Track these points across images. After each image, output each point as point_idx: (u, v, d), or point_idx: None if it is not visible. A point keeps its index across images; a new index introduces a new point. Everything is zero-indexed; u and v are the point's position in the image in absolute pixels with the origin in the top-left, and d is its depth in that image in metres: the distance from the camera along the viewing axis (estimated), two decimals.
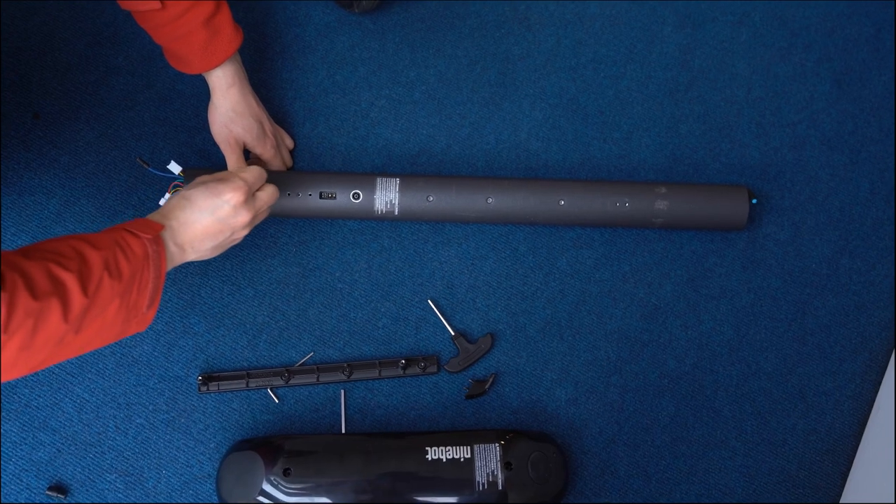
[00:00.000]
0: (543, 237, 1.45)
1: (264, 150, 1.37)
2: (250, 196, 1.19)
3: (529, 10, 1.56)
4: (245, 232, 1.20)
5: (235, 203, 1.16)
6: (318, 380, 1.36)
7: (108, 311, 1.00)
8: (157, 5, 1.17)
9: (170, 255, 1.11)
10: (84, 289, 0.96)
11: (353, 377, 1.36)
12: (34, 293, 0.92)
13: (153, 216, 1.13)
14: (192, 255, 1.16)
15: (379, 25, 1.53)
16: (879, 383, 1.44)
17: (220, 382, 1.35)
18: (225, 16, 1.25)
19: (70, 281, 0.95)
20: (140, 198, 1.41)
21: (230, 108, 1.31)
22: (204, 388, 1.34)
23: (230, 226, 1.17)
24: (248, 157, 1.40)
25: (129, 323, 1.05)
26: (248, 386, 1.35)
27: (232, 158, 1.33)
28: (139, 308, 1.05)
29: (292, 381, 1.36)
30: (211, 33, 1.23)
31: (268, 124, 1.38)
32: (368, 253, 1.43)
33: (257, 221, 1.23)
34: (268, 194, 1.24)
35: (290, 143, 1.45)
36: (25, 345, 0.92)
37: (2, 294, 0.89)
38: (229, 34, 1.26)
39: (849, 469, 1.42)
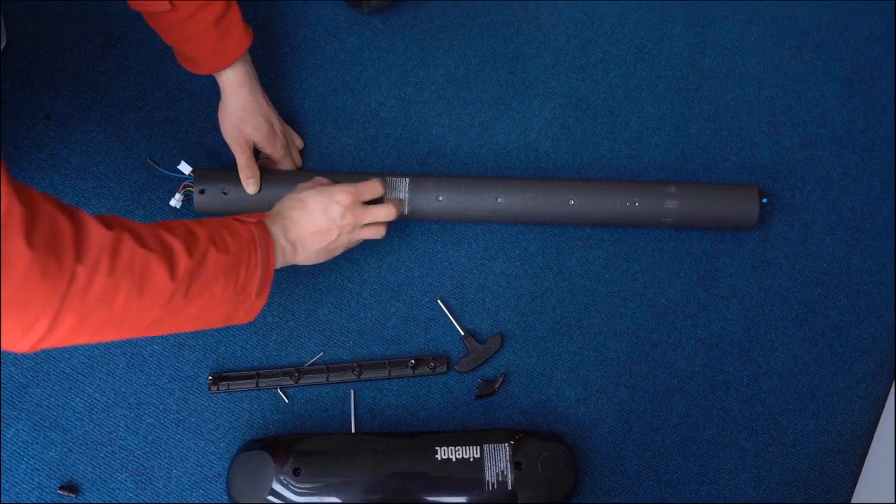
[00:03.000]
0: (553, 237, 1.45)
1: (274, 150, 1.37)
2: (359, 202, 1.25)
3: (539, 9, 1.56)
4: (350, 238, 1.25)
5: (346, 204, 1.22)
6: (327, 379, 1.36)
7: (216, 285, 1.03)
8: (167, 6, 1.18)
9: (280, 249, 1.16)
10: (190, 252, 0.99)
11: (362, 377, 1.36)
12: (142, 244, 0.95)
13: (270, 221, 1.18)
14: (302, 256, 1.21)
15: (388, 25, 1.53)
16: (891, 383, 1.44)
17: (231, 382, 1.35)
18: (235, 16, 1.25)
19: (176, 244, 0.99)
20: (151, 198, 1.41)
21: (240, 107, 1.32)
22: (214, 388, 1.35)
23: (338, 226, 1.22)
24: (259, 156, 1.40)
25: (238, 307, 1.09)
26: (258, 386, 1.35)
27: (242, 158, 1.34)
28: (248, 292, 1.08)
29: (302, 381, 1.36)
30: (221, 34, 1.23)
31: (278, 124, 1.38)
32: (378, 253, 1.43)
33: (367, 234, 1.28)
34: (382, 208, 1.28)
35: (299, 143, 1.45)
36: (134, 294, 0.94)
37: (108, 237, 0.92)
38: (239, 34, 1.26)
39: (860, 469, 1.41)
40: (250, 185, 1.33)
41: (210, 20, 1.21)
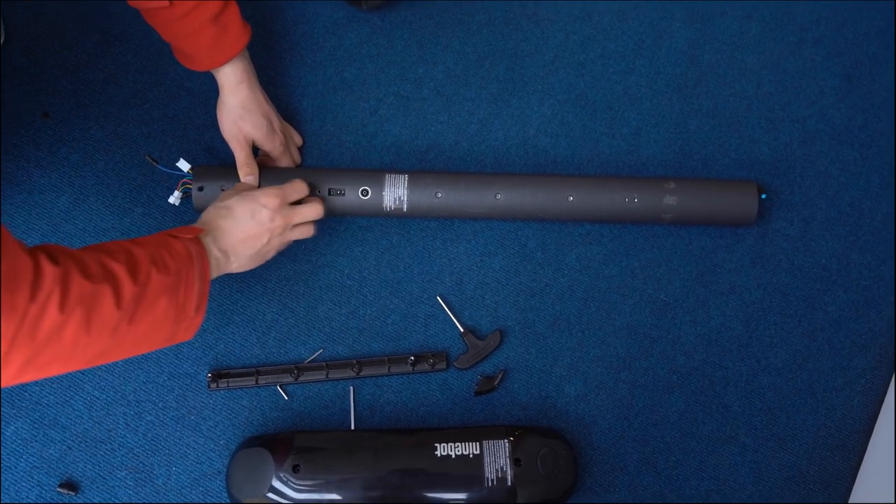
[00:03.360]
0: (552, 233, 1.45)
1: (273, 147, 1.37)
2: (286, 203, 1.26)
3: (538, 5, 1.56)
4: (281, 240, 1.26)
5: (273, 207, 1.23)
6: (327, 376, 1.36)
7: (159, 305, 1.03)
8: (166, 3, 1.18)
9: (214, 260, 1.16)
10: (133, 277, 1.00)
11: (362, 374, 1.36)
12: (88, 276, 0.95)
13: (199, 223, 1.19)
14: (235, 264, 1.21)
15: (387, 22, 1.53)
16: (889, 378, 1.44)
17: (230, 379, 1.35)
18: (233, 12, 1.25)
19: (119, 270, 0.99)
20: (150, 195, 1.41)
21: (239, 105, 1.32)
22: (213, 386, 1.35)
23: (268, 229, 1.23)
24: (257, 153, 1.40)
25: (179, 325, 1.08)
26: (257, 383, 1.35)
27: (241, 155, 1.34)
28: (188, 310, 1.08)
29: (301, 378, 1.36)
30: (219, 30, 1.23)
31: (276, 121, 1.38)
32: (377, 249, 1.43)
33: (297, 235, 1.29)
34: (310, 208, 1.29)
35: (298, 140, 1.45)
36: (83, 328, 0.95)
37: (58, 273, 0.92)
38: (237, 31, 1.26)
39: (859, 465, 1.41)
40: (249, 182, 1.33)
41: (208, 16, 1.21)
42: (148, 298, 1.01)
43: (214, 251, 1.16)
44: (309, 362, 1.38)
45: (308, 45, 1.51)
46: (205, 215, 1.21)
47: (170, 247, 1.08)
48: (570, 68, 1.54)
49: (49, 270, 0.92)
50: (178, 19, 1.21)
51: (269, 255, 1.26)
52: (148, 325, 1.03)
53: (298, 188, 1.30)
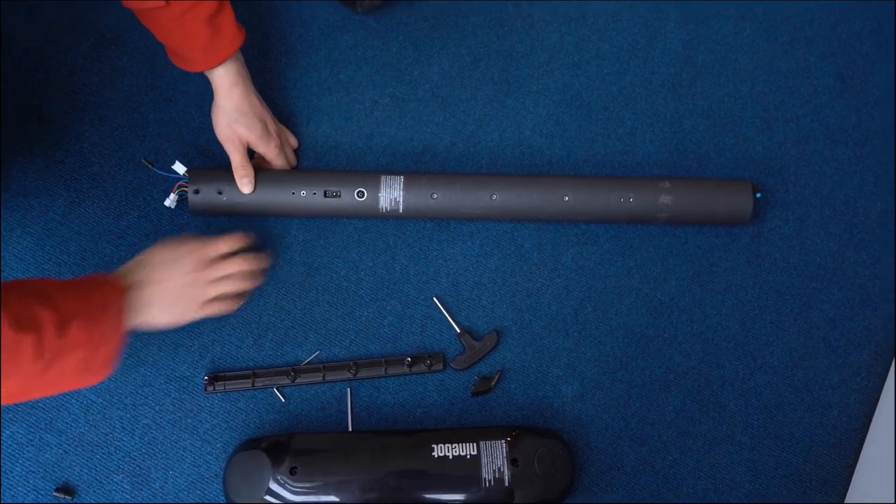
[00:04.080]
0: (548, 233, 1.45)
1: (268, 150, 1.37)
2: (211, 255, 1.25)
3: (532, 6, 1.56)
4: (203, 294, 1.23)
5: (195, 256, 1.23)
6: (324, 378, 1.36)
7: (72, 358, 1.03)
8: (161, 3, 1.18)
9: (133, 310, 1.14)
10: (58, 329, 0.99)
11: (359, 375, 1.36)
12: (14, 325, 0.95)
13: (119, 273, 1.18)
14: (156, 312, 1.18)
15: (382, 24, 1.53)
16: (885, 376, 1.44)
17: (227, 382, 1.35)
18: (227, 14, 1.25)
19: (45, 316, 0.98)
20: (145, 198, 1.41)
21: (233, 107, 1.32)
22: (210, 388, 1.34)
23: (190, 280, 1.21)
24: (253, 156, 1.40)
25: (87, 374, 1.07)
26: (254, 385, 1.35)
27: (236, 158, 1.34)
28: (95, 364, 1.07)
29: (298, 381, 1.36)
30: (214, 31, 1.24)
31: (271, 123, 1.38)
32: (373, 251, 1.43)
33: (227, 288, 1.26)
34: (233, 262, 1.27)
35: (294, 142, 1.45)
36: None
37: None
38: (232, 33, 1.26)
39: (855, 462, 1.41)
40: (245, 184, 1.34)
41: (203, 17, 1.21)
42: (67, 348, 1.01)
43: (133, 300, 1.15)
44: (306, 364, 1.37)
45: (303, 48, 1.51)
46: (128, 264, 1.20)
47: (90, 298, 1.07)
48: (565, 69, 1.54)
49: None
50: (173, 20, 1.21)
51: (194, 311, 1.23)
52: (57, 374, 1.02)
53: (229, 241, 1.28)
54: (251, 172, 1.34)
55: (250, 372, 1.36)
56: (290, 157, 1.42)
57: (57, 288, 1.05)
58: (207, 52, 1.26)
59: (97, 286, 1.10)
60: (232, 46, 1.27)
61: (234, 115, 1.32)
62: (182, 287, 1.20)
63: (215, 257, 1.26)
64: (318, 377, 1.36)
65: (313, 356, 1.38)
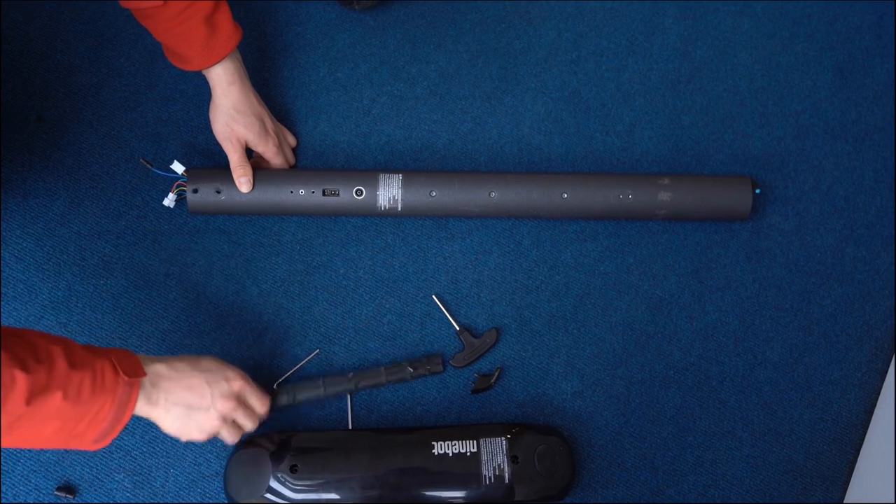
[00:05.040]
0: (547, 230, 1.45)
1: (266, 149, 1.37)
2: (243, 395, 1.22)
3: (530, 3, 1.56)
4: (214, 424, 1.18)
5: (235, 387, 1.20)
6: (324, 392, 1.34)
7: (46, 428, 0.99)
8: (159, 2, 1.18)
9: (145, 395, 1.10)
10: (29, 398, 0.95)
11: (359, 387, 1.35)
12: None
13: (150, 358, 1.13)
14: (162, 411, 1.13)
15: (379, 22, 1.53)
16: (885, 371, 1.44)
17: None
18: (224, 13, 1.26)
19: (21, 382, 0.94)
20: (144, 198, 1.41)
21: (231, 106, 1.32)
22: None
23: (213, 403, 1.17)
24: (251, 155, 1.40)
25: (69, 443, 1.04)
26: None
27: (234, 157, 1.34)
28: (86, 436, 1.04)
29: (299, 398, 1.34)
30: (210, 30, 1.24)
31: (269, 122, 1.38)
32: (372, 249, 1.43)
33: (229, 434, 1.22)
34: (249, 417, 1.23)
35: (292, 140, 1.45)
36: None
37: None
38: (229, 31, 1.27)
39: (856, 458, 1.41)
40: (243, 183, 1.34)
41: (200, 16, 1.22)
42: (35, 420, 0.97)
43: (148, 388, 1.10)
44: (304, 363, 1.37)
45: (301, 46, 1.51)
46: (170, 359, 1.16)
47: (100, 378, 1.02)
48: (563, 66, 1.54)
49: None
50: (171, 19, 1.21)
51: (197, 433, 1.18)
52: (24, 437, 0.99)
53: (263, 400, 1.25)
54: (249, 172, 1.34)
55: None
56: (288, 156, 1.43)
57: (67, 351, 1.00)
58: (204, 50, 1.26)
59: (114, 366, 1.05)
60: (229, 45, 1.27)
61: (232, 113, 1.32)
62: (203, 403, 1.16)
63: (244, 402, 1.23)
64: (318, 391, 1.34)
65: (313, 354, 1.38)
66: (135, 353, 1.10)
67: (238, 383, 1.20)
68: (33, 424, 0.98)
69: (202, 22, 1.22)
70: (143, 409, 1.11)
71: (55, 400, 0.97)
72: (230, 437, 1.22)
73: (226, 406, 1.18)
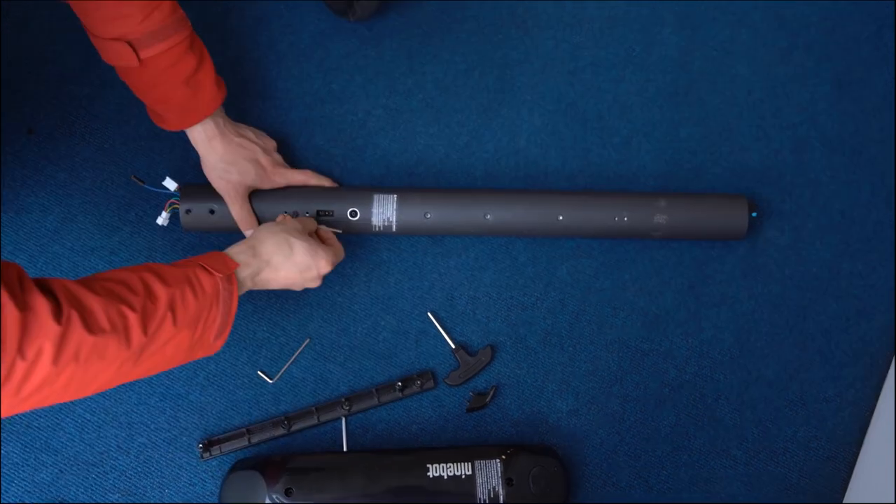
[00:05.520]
0: (543, 247, 1.44)
1: (272, 185, 1.35)
2: (330, 263, 1.25)
3: (527, 13, 1.54)
4: (320, 276, 1.24)
5: (324, 272, 1.23)
6: (318, 420, 1.35)
7: (168, 347, 1.02)
8: (135, 63, 1.15)
9: (242, 286, 1.14)
10: (145, 327, 0.97)
11: (353, 410, 1.36)
12: (93, 329, 0.92)
13: (238, 250, 1.16)
14: (258, 287, 1.19)
15: (375, 32, 1.51)
16: (880, 388, 1.44)
17: (222, 445, 1.34)
18: (207, 74, 1.23)
19: (132, 318, 0.96)
20: (138, 213, 1.40)
21: (219, 159, 1.29)
22: (206, 455, 1.33)
23: (302, 285, 1.22)
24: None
25: (194, 352, 1.08)
26: (250, 443, 1.34)
27: (234, 209, 1.32)
28: (205, 340, 1.07)
29: (294, 428, 1.35)
30: (191, 92, 1.21)
31: (264, 158, 1.34)
32: (367, 266, 1.42)
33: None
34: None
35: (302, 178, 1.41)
36: (78, 373, 0.92)
37: (55, 332, 0.89)
38: (211, 93, 1.24)
39: (850, 476, 1.42)
40: (250, 234, 1.31)
41: (180, 78, 1.19)
42: (156, 344, 0.99)
43: (249, 283, 1.15)
44: (297, 355, 1.38)
45: (295, 57, 1.49)
46: (261, 236, 1.20)
47: (198, 285, 1.05)
48: (560, 77, 1.52)
49: (44, 325, 0.88)
50: (150, 79, 1.18)
51: (310, 282, 1.24)
52: (156, 362, 1.02)
53: (340, 253, 1.29)
54: (254, 221, 1.33)
55: (244, 430, 1.35)
56: (294, 177, 1.39)
57: (157, 275, 1.03)
58: (183, 112, 1.23)
59: (210, 273, 1.08)
60: (210, 107, 1.25)
61: (223, 166, 1.30)
62: (295, 286, 1.23)
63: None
64: (312, 420, 1.35)
65: (304, 345, 1.39)
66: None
67: (328, 267, 1.24)
68: (156, 349, 1.00)
69: (182, 84, 1.19)
70: (249, 286, 1.16)
71: (167, 323, 1.00)
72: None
73: (315, 284, 1.24)
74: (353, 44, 1.50)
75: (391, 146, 1.47)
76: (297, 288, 1.23)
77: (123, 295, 0.97)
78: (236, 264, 1.12)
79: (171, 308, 1.01)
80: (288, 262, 1.19)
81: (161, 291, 1.01)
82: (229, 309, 1.09)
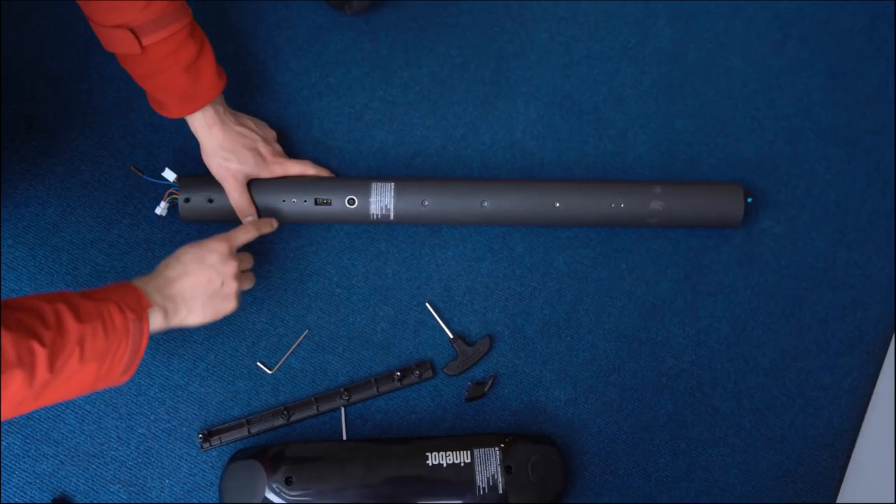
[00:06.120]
0: (540, 237, 1.45)
1: (270, 174, 1.36)
2: (234, 248, 1.23)
3: (522, 7, 1.55)
4: (234, 287, 1.22)
5: (221, 251, 1.20)
6: (317, 410, 1.36)
7: (72, 381, 1.01)
8: (137, 50, 1.16)
9: (160, 311, 1.13)
10: (51, 365, 0.97)
11: (352, 401, 1.36)
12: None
13: (145, 283, 1.14)
14: (185, 312, 1.16)
15: (371, 26, 1.52)
16: (877, 377, 1.45)
17: (222, 435, 1.34)
18: (208, 60, 1.23)
19: (39, 354, 0.96)
20: (136, 206, 1.40)
21: (218, 146, 1.30)
22: (206, 446, 1.34)
23: (220, 273, 1.19)
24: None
25: (98, 385, 1.06)
26: (249, 433, 1.34)
27: (233, 196, 1.33)
28: (111, 375, 1.06)
29: (293, 418, 1.35)
30: (192, 79, 1.22)
31: (264, 147, 1.35)
32: (366, 257, 1.43)
33: (245, 285, 1.27)
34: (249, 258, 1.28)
35: (299, 169, 1.41)
36: None
37: None
38: (211, 80, 1.25)
39: (847, 463, 1.42)
40: (248, 223, 1.32)
41: (181, 66, 1.20)
42: (61, 379, 0.99)
43: (160, 301, 1.13)
44: (295, 347, 1.39)
45: (292, 51, 1.50)
46: (159, 266, 1.18)
47: (109, 321, 1.04)
48: (556, 70, 1.53)
49: None
50: (151, 66, 1.19)
51: (226, 306, 1.22)
52: (58, 396, 1.02)
53: (247, 232, 1.27)
54: (252, 209, 1.34)
55: (244, 420, 1.35)
56: (293, 167, 1.39)
57: (70, 308, 1.01)
58: (183, 99, 1.24)
59: (121, 309, 1.06)
60: (211, 94, 1.25)
61: (222, 154, 1.30)
62: (213, 281, 1.19)
63: (235, 249, 1.24)
64: (311, 411, 1.36)
65: (302, 337, 1.40)
66: (132, 283, 1.13)
67: (223, 245, 1.21)
68: (59, 384, 0.99)
69: (182, 71, 1.20)
70: (161, 325, 1.14)
71: (73, 359, 0.99)
72: (249, 284, 1.29)
73: (230, 269, 1.21)
74: (350, 38, 1.51)
75: (388, 138, 1.48)
76: (220, 286, 1.20)
77: (34, 328, 0.97)
78: (150, 304, 1.11)
79: (81, 343, 1.00)
80: (181, 265, 1.18)
81: (72, 326, 1.00)
82: (138, 347, 1.08)
